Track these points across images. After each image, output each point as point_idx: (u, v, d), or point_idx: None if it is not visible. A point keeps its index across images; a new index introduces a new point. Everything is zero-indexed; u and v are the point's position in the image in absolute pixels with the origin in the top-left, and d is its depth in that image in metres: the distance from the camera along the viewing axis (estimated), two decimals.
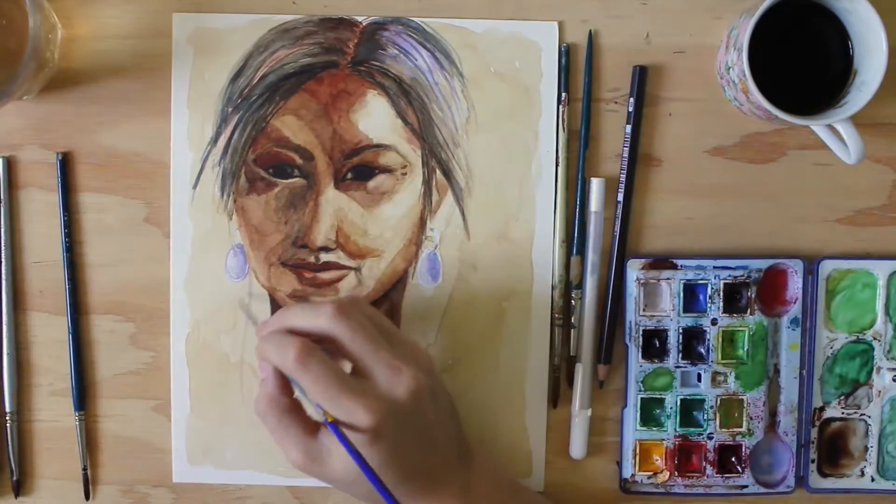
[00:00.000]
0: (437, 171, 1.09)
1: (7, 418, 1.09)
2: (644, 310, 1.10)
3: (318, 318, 0.96)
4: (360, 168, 1.08)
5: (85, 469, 1.10)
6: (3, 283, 1.08)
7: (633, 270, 1.09)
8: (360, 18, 1.08)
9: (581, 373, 1.10)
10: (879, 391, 1.11)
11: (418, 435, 0.96)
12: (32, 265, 1.09)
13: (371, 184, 1.09)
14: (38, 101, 1.07)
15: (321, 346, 0.96)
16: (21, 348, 1.09)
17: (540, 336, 1.11)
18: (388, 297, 1.10)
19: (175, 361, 1.10)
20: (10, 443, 1.09)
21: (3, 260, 1.08)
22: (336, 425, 0.92)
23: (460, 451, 1.02)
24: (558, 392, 1.11)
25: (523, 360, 1.11)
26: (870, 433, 1.12)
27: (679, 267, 1.09)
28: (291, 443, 0.96)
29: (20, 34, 0.97)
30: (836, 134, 1.02)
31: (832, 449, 1.12)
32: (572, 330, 1.11)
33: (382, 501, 0.94)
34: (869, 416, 1.12)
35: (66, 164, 1.08)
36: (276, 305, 1.10)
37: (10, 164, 1.08)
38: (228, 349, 1.10)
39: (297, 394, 0.97)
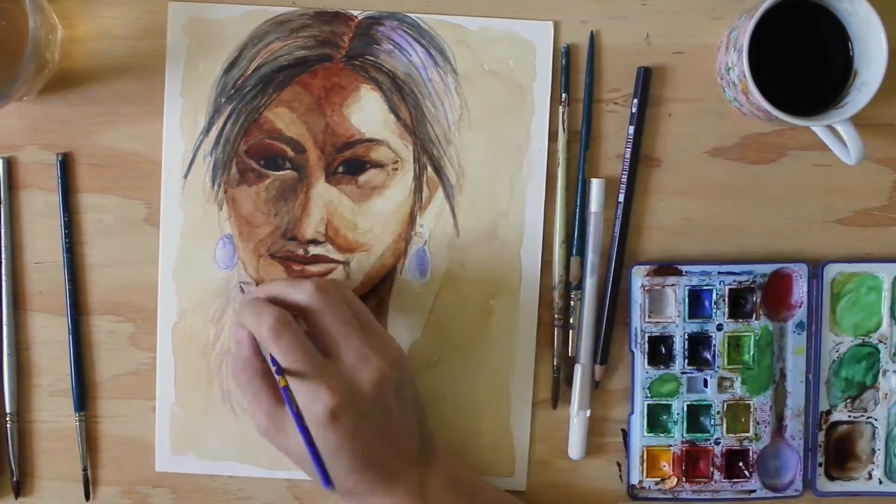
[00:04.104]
0: (429, 168, 1.09)
1: (7, 419, 1.09)
2: (649, 316, 1.10)
3: (299, 291, 0.99)
4: (351, 162, 1.08)
5: (85, 469, 1.10)
6: (4, 283, 1.08)
7: (638, 277, 1.09)
8: (355, 12, 1.08)
9: (580, 374, 1.10)
10: (886, 394, 1.11)
11: (377, 425, 0.97)
12: (33, 266, 1.09)
13: (362, 178, 1.09)
14: (38, 101, 1.08)
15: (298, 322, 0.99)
16: (21, 349, 1.09)
17: (527, 335, 1.11)
18: (376, 292, 1.10)
19: (161, 350, 1.10)
20: (10, 443, 1.09)
21: (3, 260, 1.08)
22: (288, 392, 0.94)
23: (421, 447, 1.02)
24: (558, 392, 1.11)
25: (510, 359, 1.11)
26: (876, 436, 1.12)
27: (684, 273, 1.09)
28: (259, 407, 0.98)
29: (20, 35, 0.98)
30: (836, 135, 1.02)
31: (839, 452, 1.12)
32: (571, 331, 1.10)
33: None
34: (875, 419, 1.11)
35: (65, 165, 1.08)
36: None
37: (10, 165, 1.08)
38: (215, 339, 1.10)
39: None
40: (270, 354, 0.96)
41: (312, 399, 0.94)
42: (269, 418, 0.97)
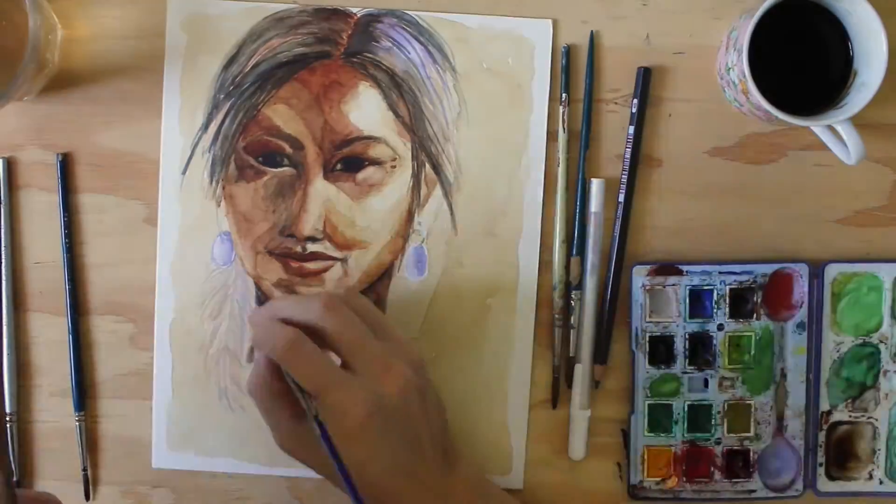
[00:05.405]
0: (427, 165, 1.09)
1: (7, 419, 1.09)
2: (650, 316, 1.10)
3: (307, 310, 0.96)
4: (349, 159, 1.08)
5: (85, 470, 1.10)
6: (3, 283, 1.08)
7: (639, 277, 1.09)
8: (354, 9, 1.08)
9: (580, 374, 1.10)
10: (886, 394, 1.11)
11: (403, 433, 0.96)
12: (32, 266, 1.09)
13: (360, 175, 1.09)
14: (38, 101, 1.08)
15: (312, 338, 0.96)
16: (21, 349, 1.09)
17: (524, 334, 1.10)
18: (374, 290, 1.10)
19: (158, 347, 1.10)
20: (10, 444, 1.09)
21: (3, 260, 1.08)
22: (320, 422, 0.92)
23: (445, 454, 1.01)
24: (558, 392, 1.11)
25: (506, 357, 1.11)
26: (877, 436, 1.11)
27: (685, 273, 1.09)
28: (278, 426, 0.98)
29: (20, 35, 0.98)
30: (836, 135, 1.02)
31: (840, 452, 1.12)
32: (571, 330, 1.10)
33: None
34: (876, 420, 1.11)
35: (65, 165, 1.08)
36: (261, 294, 1.10)
37: (10, 165, 1.08)
38: (212, 336, 1.10)
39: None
40: (291, 376, 0.95)
41: (338, 415, 0.93)
42: (290, 436, 0.98)
